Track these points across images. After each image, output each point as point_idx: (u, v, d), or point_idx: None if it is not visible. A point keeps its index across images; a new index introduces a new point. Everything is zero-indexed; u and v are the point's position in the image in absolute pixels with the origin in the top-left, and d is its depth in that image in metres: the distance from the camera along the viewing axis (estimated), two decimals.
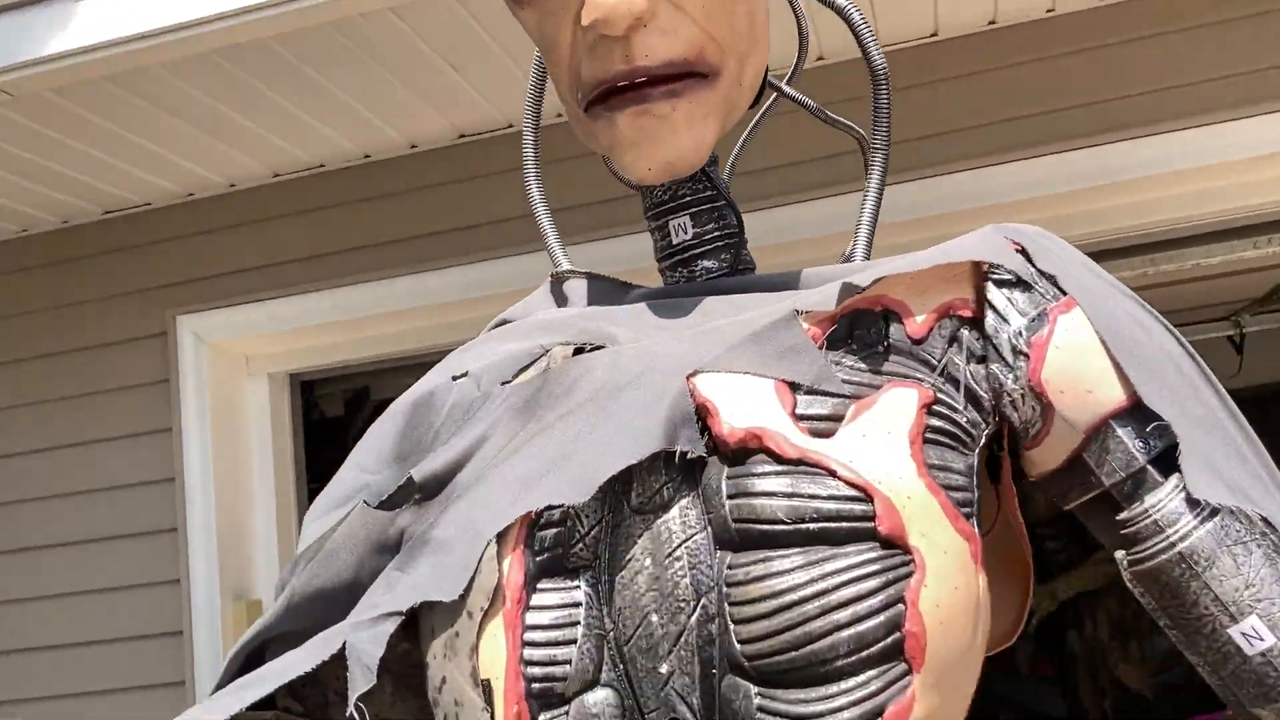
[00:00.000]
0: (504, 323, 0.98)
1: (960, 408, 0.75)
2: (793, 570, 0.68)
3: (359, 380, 3.37)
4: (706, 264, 0.89)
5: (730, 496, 0.71)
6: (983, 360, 0.77)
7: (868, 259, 0.91)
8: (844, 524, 0.68)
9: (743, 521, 0.70)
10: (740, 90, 0.84)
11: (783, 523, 0.69)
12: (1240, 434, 0.76)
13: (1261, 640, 0.70)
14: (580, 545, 0.74)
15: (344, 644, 0.77)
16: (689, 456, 0.73)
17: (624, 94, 0.80)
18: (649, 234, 0.95)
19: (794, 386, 0.74)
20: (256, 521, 2.85)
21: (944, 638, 0.67)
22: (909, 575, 0.68)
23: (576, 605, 0.73)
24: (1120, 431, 0.74)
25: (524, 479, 0.76)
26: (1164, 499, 0.72)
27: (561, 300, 0.97)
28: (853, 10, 0.91)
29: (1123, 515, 0.74)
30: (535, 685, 0.71)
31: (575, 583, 0.73)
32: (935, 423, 0.74)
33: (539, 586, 0.73)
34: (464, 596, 0.74)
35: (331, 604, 0.83)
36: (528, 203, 1.03)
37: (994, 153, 2.30)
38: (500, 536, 0.74)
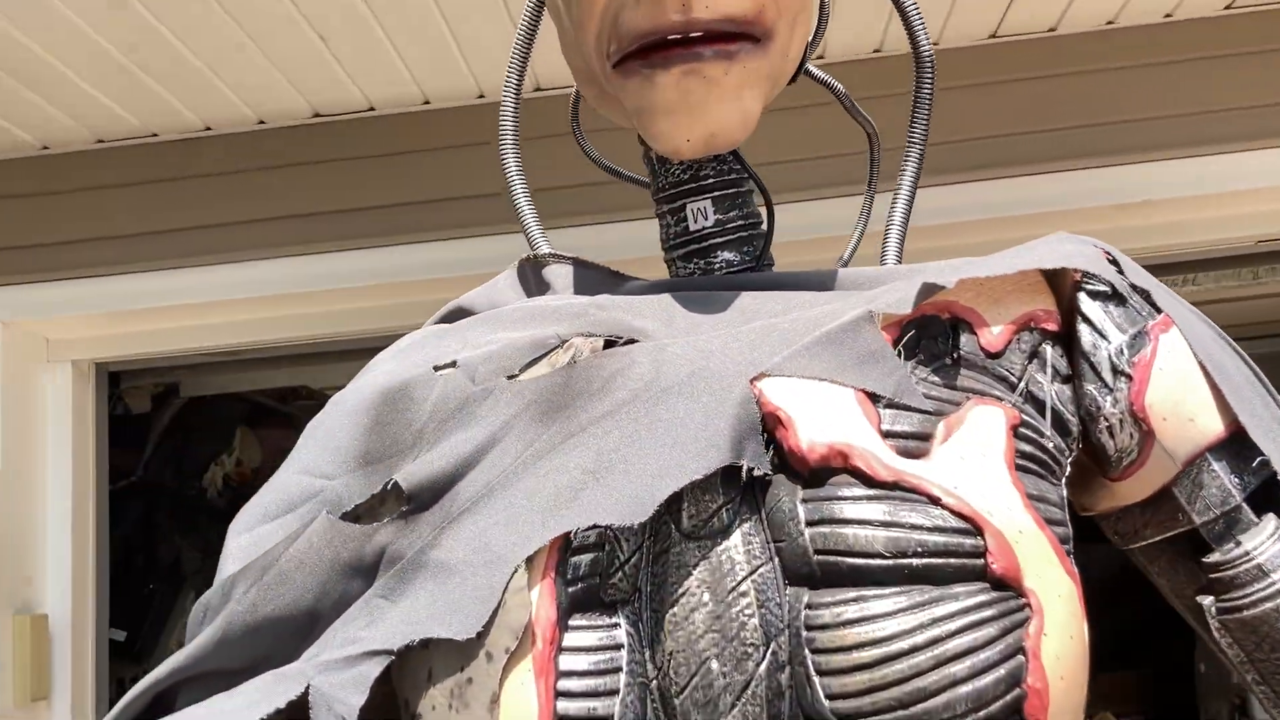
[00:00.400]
0: (463, 311, 0.84)
1: (1046, 432, 0.67)
2: (897, 614, 0.58)
3: (170, 374, 3.07)
4: (727, 255, 0.78)
5: (810, 523, 0.60)
6: (1068, 380, 0.69)
7: (899, 263, 0.83)
8: (951, 560, 0.59)
9: (827, 553, 0.59)
10: (785, 62, 0.74)
11: (881, 556, 0.59)
12: None
13: None
14: (619, 575, 0.62)
15: (306, 689, 0.62)
16: (755, 474, 0.62)
17: (670, 50, 0.68)
18: (656, 218, 0.83)
19: (874, 398, 0.64)
20: (47, 527, 2.53)
21: (1065, 694, 0.59)
22: (1025, 622, 0.59)
23: (618, 647, 0.60)
24: (1216, 465, 0.67)
25: (555, 494, 0.63)
26: (1265, 542, 0.66)
27: (540, 287, 0.84)
28: None
29: (1214, 558, 0.67)
30: None
31: (614, 619, 0.61)
32: (1024, 448, 0.65)
33: (571, 624, 0.60)
34: (481, 635, 0.60)
35: (282, 637, 0.67)
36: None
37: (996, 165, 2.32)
38: (526, 563, 0.61)
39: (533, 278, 0.85)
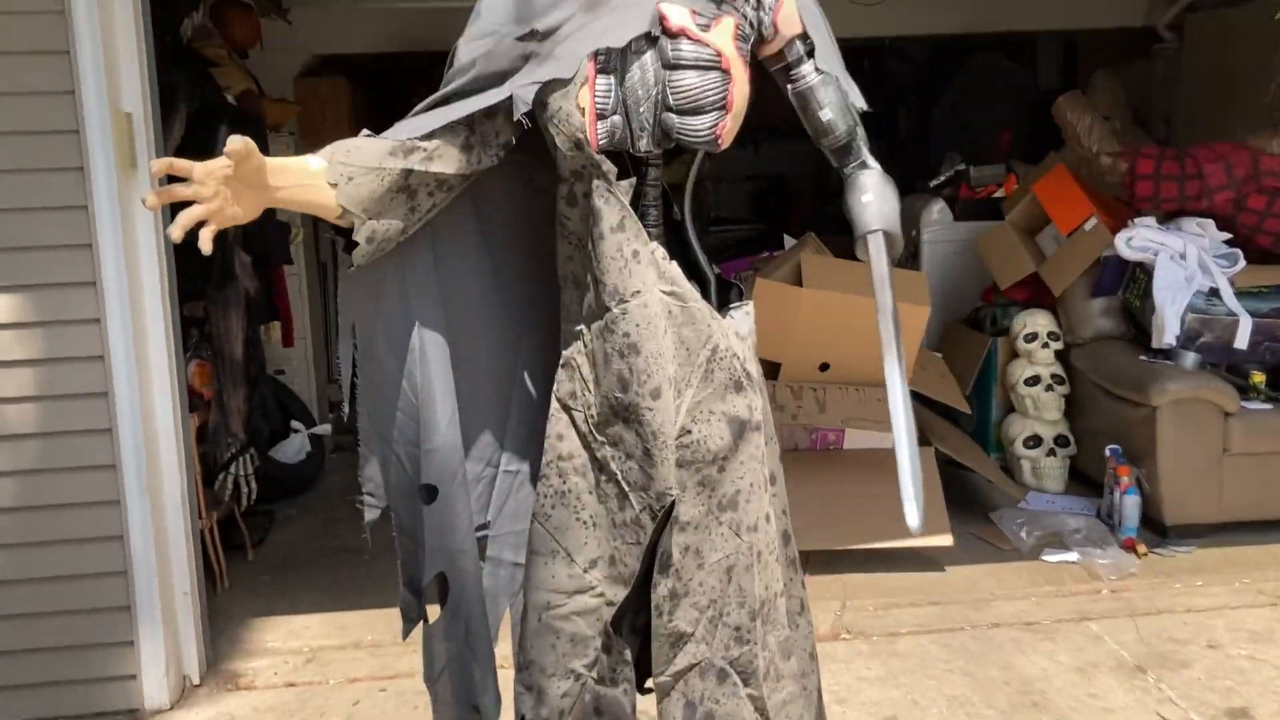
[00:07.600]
0: None
1: (748, 30, 2.03)
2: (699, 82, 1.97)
3: None
4: None
5: (671, 52, 1.98)
6: (757, 10, 2.06)
7: None
8: (713, 60, 1.98)
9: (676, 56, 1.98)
10: None
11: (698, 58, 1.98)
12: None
13: None
14: (612, 59, 1.98)
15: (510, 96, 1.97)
16: (654, 33, 1.98)
17: None
18: None
19: (696, 12, 2.00)
20: None
21: (742, 97, 2.02)
22: (730, 81, 1.99)
23: (610, 91, 1.97)
24: (797, 43, 2.07)
25: (598, 33, 1.97)
26: (806, 69, 2.07)
27: None
28: None
29: (791, 72, 2.09)
30: (599, 122, 1.96)
31: (610, 80, 1.97)
32: (740, 30, 2.03)
33: (597, 77, 1.97)
34: (574, 77, 1.96)
35: (491, 82, 2.01)
36: None
37: None
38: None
39: None
